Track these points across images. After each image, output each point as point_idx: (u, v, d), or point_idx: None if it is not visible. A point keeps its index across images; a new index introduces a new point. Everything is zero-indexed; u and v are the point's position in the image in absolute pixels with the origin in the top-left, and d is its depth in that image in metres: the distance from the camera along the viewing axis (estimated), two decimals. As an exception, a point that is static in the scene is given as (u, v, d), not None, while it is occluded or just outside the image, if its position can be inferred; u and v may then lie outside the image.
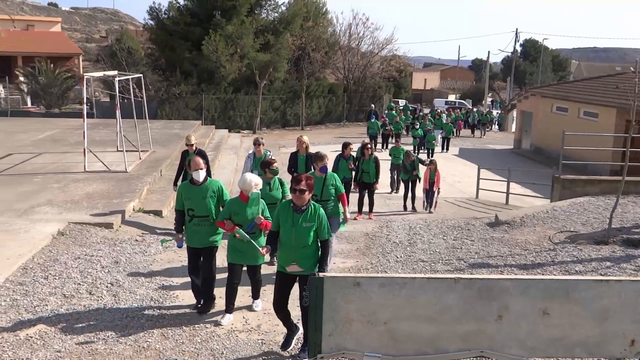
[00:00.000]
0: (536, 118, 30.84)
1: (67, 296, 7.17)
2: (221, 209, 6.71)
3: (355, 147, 13.33)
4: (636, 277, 7.90)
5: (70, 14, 72.56)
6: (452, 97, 66.83)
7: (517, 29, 57.79)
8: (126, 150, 15.26)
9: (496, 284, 4.34)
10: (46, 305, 6.87)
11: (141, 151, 16.56)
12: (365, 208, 13.15)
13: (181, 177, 10.87)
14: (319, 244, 5.76)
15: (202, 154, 10.45)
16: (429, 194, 14.42)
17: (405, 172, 15.07)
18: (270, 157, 10.26)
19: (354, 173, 12.87)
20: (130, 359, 5.72)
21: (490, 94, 59.37)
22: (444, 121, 31.47)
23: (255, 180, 6.50)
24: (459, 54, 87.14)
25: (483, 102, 56.57)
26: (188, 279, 7.16)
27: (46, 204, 11.14)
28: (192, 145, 10.70)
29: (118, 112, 15.58)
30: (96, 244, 9.24)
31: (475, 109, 43.97)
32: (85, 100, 16.01)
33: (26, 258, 8.26)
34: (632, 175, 12.05)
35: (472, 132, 39.23)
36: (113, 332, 6.27)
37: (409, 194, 14.70)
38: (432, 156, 23.86)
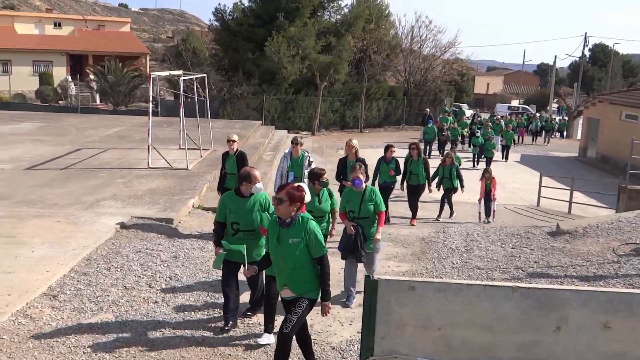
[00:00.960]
0: (603, 125, 29.79)
1: (127, 288, 7.40)
2: (269, 218, 6.07)
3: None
4: None
5: (139, 14, 75.10)
6: (515, 102, 65.33)
7: (585, 33, 56.15)
8: (188, 148, 15.63)
9: (556, 295, 4.22)
10: (108, 295, 7.12)
11: (202, 149, 16.91)
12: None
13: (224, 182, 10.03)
14: (317, 265, 5.08)
15: (242, 156, 9.84)
16: (487, 204, 13.99)
17: (443, 177, 13.95)
18: (308, 158, 10.12)
19: (401, 175, 12.34)
20: (186, 352, 5.85)
21: (555, 100, 57.73)
22: (503, 127, 29.02)
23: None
24: (524, 58, 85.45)
25: (548, 107, 55.04)
26: (243, 277, 6.72)
27: (111, 198, 11.53)
28: (234, 142, 9.89)
29: (182, 111, 15.95)
30: (157, 239, 9.50)
31: (538, 115, 42.67)
32: (150, 99, 16.49)
33: (90, 249, 8.59)
34: None
35: (534, 139, 37.84)
36: (170, 324, 6.44)
37: (445, 202, 13.89)
38: (489, 165, 22.50)
